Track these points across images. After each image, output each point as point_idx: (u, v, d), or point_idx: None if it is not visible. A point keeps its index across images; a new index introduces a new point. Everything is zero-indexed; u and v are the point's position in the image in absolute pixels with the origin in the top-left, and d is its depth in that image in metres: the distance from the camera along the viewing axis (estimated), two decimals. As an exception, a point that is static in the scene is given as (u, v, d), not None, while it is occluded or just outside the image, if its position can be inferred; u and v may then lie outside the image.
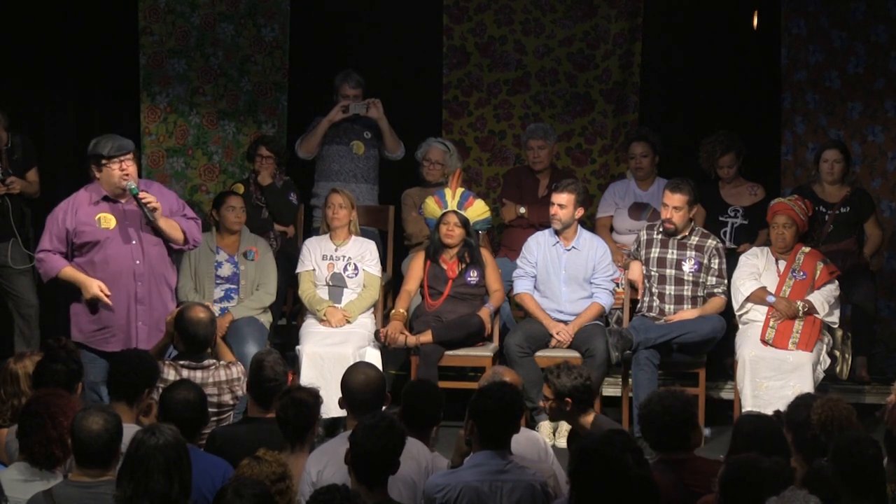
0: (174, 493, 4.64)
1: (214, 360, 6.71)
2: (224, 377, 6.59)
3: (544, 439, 6.21)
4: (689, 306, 8.39)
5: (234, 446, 5.77)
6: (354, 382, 5.80)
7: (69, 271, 7.29)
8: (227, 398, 6.61)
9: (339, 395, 8.12)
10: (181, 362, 6.62)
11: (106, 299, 7.20)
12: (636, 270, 8.52)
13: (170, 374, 6.51)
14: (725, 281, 8.41)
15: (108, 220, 7.35)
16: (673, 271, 8.42)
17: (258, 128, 9.98)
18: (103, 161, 7.31)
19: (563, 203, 8.43)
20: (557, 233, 8.50)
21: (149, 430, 4.76)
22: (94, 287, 7.23)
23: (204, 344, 6.73)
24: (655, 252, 8.48)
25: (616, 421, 7.53)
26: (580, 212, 8.48)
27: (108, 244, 7.31)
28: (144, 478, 4.61)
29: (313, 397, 5.78)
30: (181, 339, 6.71)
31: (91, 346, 7.23)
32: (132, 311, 7.30)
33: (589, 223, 9.30)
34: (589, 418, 6.06)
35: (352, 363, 8.03)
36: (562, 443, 7.84)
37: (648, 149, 9.16)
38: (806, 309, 8.20)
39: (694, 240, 8.46)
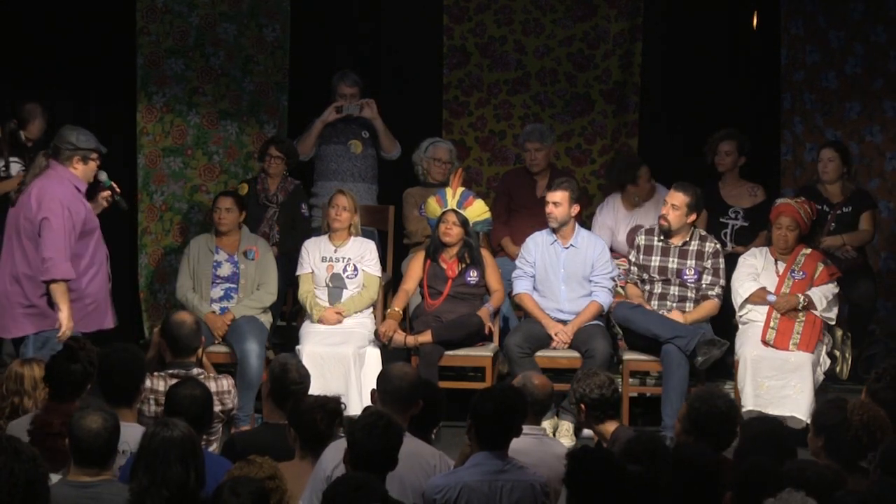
0: (191, 483, 4.67)
1: (203, 371, 6.66)
2: (215, 388, 6.53)
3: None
4: (692, 305, 8.37)
5: (255, 452, 5.69)
6: (392, 371, 5.78)
7: (66, 288, 7.33)
8: (216, 409, 6.54)
9: (341, 394, 8.15)
10: (170, 371, 6.57)
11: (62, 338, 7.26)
12: (633, 295, 8.47)
13: (159, 385, 6.43)
14: (721, 281, 8.37)
15: (91, 209, 7.53)
16: (675, 279, 8.38)
17: (260, 128, 9.97)
18: (93, 155, 7.46)
19: (558, 201, 8.43)
20: (555, 231, 8.49)
21: (161, 423, 4.80)
22: (71, 323, 7.28)
23: (187, 345, 6.62)
24: (656, 261, 8.44)
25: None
26: (576, 209, 8.46)
27: (98, 230, 7.51)
28: (162, 468, 4.64)
29: (342, 408, 5.73)
30: (167, 346, 6.68)
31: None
32: (108, 290, 7.58)
33: (588, 223, 9.30)
34: (609, 428, 6.01)
35: (352, 363, 8.11)
36: (564, 443, 7.84)
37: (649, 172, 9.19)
38: (805, 303, 8.18)
39: (694, 245, 8.42)
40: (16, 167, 8.96)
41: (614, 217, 9.19)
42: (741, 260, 8.48)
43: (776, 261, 8.38)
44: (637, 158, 9.40)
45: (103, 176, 7.64)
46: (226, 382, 6.63)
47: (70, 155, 7.41)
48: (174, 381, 6.30)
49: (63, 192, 7.33)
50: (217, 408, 6.43)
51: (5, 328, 7.46)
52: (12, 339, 7.54)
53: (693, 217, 8.41)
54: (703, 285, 8.37)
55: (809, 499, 4.34)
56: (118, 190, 7.74)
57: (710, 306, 8.36)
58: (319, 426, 5.53)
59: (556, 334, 8.33)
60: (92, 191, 7.66)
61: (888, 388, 5.75)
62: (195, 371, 6.56)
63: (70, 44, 9.76)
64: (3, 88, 9.41)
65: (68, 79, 9.78)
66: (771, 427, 5.33)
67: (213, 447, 6.39)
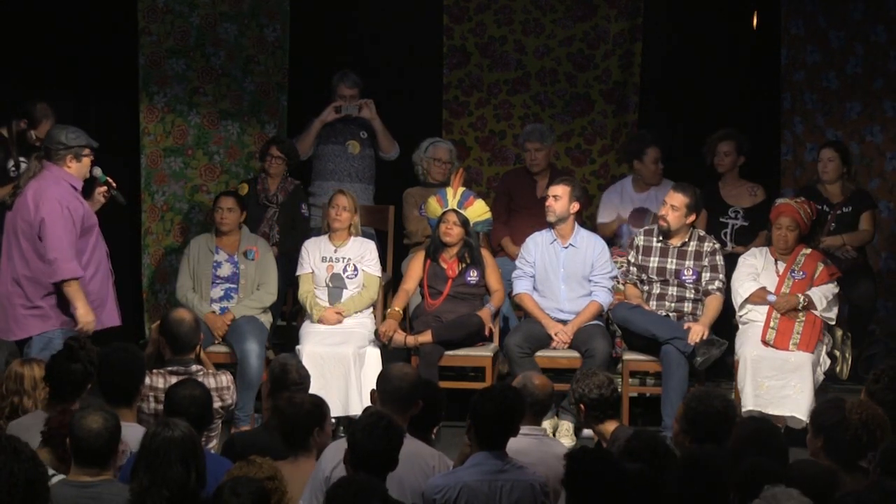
0: (191, 483, 4.70)
1: (202, 367, 6.67)
2: (214, 385, 6.54)
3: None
4: (690, 305, 8.37)
5: (255, 452, 5.69)
6: (392, 371, 5.80)
7: (77, 285, 7.36)
8: (216, 405, 6.54)
9: (340, 394, 8.16)
10: (169, 369, 6.58)
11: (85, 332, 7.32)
12: (633, 295, 8.47)
13: (158, 383, 6.43)
14: (720, 276, 8.38)
15: (89, 207, 7.57)
16: (674, 280, 8.39)
17: (261, 128, 9.98)
18: (86, 152, 7.51)
19: (559, 194, 8.42)
20: (553, 228, 8.48)
21: (163, 423, 4.83)
22: (90, 317, 7.34)
23: (186, 342, 6.61)
24: (655, 262, 8.44)
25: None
26: (575, 206, 8.44)
27: (96, 228, 7.55)
28: (162, 468, 4.67)
29: (313, 402, 5.74)
30: (166, 343, 6.68)
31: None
32: (111, 287, 7.61)
33: (589, 224, 9.30)
34: (609, 428, 6.01)
35: (352, 363, 8.11)
36: (564, 443, 7.85)
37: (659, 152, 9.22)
38: (805, 303, 8.18)
39: (692, 245, 8.42)
40: (25, 167, 8.96)
41: (621, 196, 9.22)
42: (741, 260, 8.48)
43: (776, 261, 8.38)
44: (649, 136, 9.37)
45: (98, 171, 7.66)
46: (225, 379, 6.63)
47: (62, 154, 7.45)
48: (173, 378, 6.32)
49: (59, 192, 7.36)
50: (217, 404, 6.45)
51: (8, 330, 7.48)
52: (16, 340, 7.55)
53: (692, 218, 8.41)
54: (704, 282, 8.37)
55: (793, 490, 4.34)
56: (114, 184, 7.76)
57: (716, 303, 8.33)
58: (287, 425, 5.57)
59: (556, 334, 8.33)
60: (89, 188, 7.67)
61: (887, 389, 5.76)
62: (194, 368, 6.57)
63: (71, 44, 9.76)
64: (4, 89, 9.41)
65: (69, 79, 9.78)
66: (762, 427, 5.32)
67: (213, 444, 6.41)
